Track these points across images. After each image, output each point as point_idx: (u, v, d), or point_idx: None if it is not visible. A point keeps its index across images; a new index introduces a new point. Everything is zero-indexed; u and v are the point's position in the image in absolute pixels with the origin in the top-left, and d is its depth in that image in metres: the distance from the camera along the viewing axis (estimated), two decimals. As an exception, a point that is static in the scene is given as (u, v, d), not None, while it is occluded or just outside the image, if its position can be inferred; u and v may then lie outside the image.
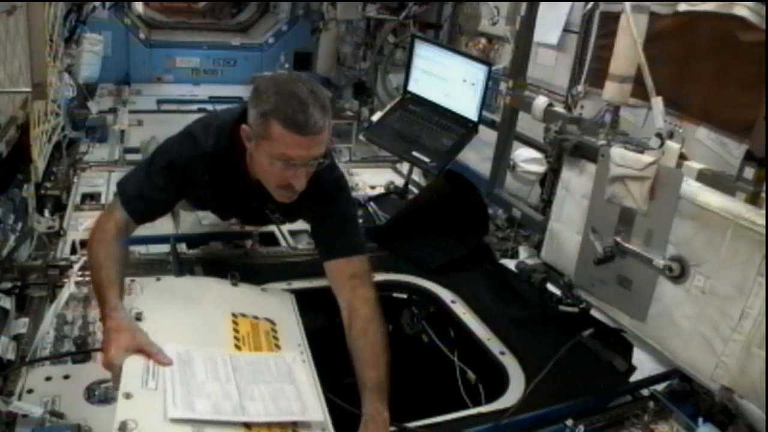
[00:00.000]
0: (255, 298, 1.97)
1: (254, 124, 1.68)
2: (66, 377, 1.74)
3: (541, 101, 2.66)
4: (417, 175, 3.57)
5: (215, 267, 2.36)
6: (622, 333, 2.17)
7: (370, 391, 1.59)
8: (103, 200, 3.15)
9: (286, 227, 2.70)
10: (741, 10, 1.99)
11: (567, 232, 2.37)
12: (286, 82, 1.67)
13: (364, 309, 1.77)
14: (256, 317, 1.83)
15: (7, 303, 2.02)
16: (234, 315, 1.80)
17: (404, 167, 3.65)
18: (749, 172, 1.81)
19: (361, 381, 1.63)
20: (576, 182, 2.32)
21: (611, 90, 2.23)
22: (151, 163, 1.88)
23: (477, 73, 2.97)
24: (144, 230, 2.80)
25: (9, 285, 2.09)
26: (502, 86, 3.17)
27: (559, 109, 2.65)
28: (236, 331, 1.74)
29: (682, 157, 1.98)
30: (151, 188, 1.85)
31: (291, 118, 1.59)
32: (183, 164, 1.84)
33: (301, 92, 1.61)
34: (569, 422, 1.68)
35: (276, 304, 1.95)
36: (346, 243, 1.90)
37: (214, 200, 2.22)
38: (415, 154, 3.05)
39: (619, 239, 2.10)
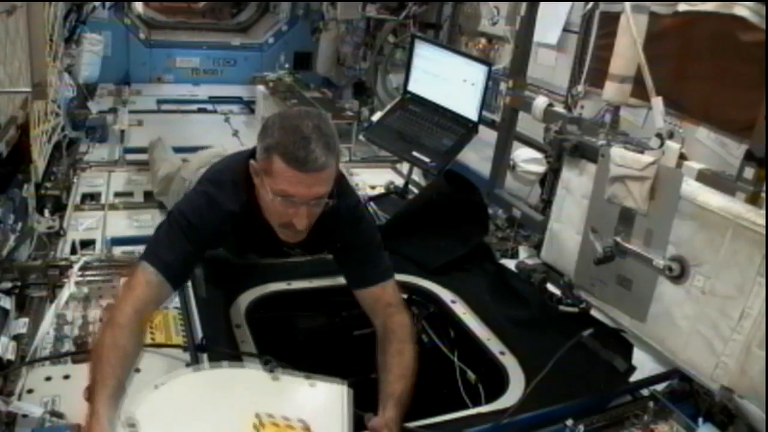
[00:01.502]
0: (294, 392, 1.59)
1: (259, 159, 1.65)
2: (66, 377, 1.74)
3: (541, 101, 2.66)
4: (417, 175, 3.57)
5: (215, 267, 2.36)
6: (622, 333, 2.17)
7: (396, 401, 1.60)
8: (103, 200, 3.15)
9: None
10: (741, 10, 1.99)
11: (567, 232, 2.37)
12: (292, 117, 1.64)
13: (402, 333, 1.78)
14: (287, 419, 1.46)
15: (7, 303, 2.02)
16: (258, 417, 1.45)
17: (404, 167, 3.65)
18: (749, 172, 1.81)
19: (388, 390, 1.63)
20: (576, 182, 2.33)
21: (611, 90, 2.23)
22: (170, 229, 1.76)
23: (477, 73, 2.97)
24: (144, 230, 2.84)
25: (9, 285, 2.09)
26: (502, 86, 3.17)
27: (559, 109, 2.65)
28: None
29: (682, 157, 1.98)
30: (181, 249, 1.72)
31: (291, 153, 1.55)
32: (205, 228, 1.75)
33: (306, 128, 1.57)
34: (569, 422, 1.68)
35: (320, 402, 1.58)
36: (376, 271, 1.87)
37: (234, 245, 2.20)
38: (415, 154, 3.05)
39: (619, 239, 2.10)
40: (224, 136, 4.26)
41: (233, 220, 1.77)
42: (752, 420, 1.72)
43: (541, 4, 2.84)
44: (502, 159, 2.99)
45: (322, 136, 1.57)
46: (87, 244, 2.64)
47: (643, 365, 2.03)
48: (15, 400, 1.58)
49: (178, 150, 3.45)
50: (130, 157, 3.68)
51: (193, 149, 3.57)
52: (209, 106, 5.09)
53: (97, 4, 4.61)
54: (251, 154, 1.73)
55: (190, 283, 2.23)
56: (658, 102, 2.03)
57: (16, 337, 1.88)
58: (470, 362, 2.20)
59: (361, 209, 1.93)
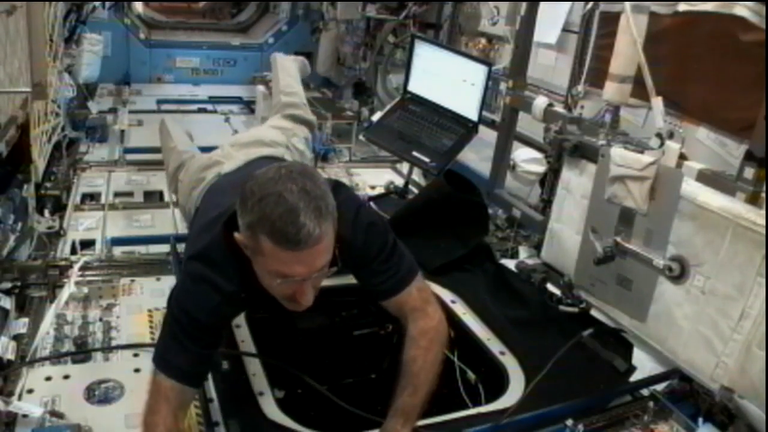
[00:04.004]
0: None
1: (244, 234, 1.41)
2: (66, 377, 1.75)
3: (541, 101, 2.66)
4: (417, 175, 3.57)
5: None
6: (622, 333, 2.17)
7: (397, 413, 1.57)
8: (103, 200, 3.15)
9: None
10: (741, 10, 1.99)
11: (567, 232, 2.37)
12: (273, 181, 1.37)
13: (423, 339, 1.69)
14: None
15: (7, 303, 2.02)
16: None
17: (404, 167, 3.65)
18: (749, 172, 1.81)
19: (393, 400, 1.60)
20: (576, 182, 2.33)
21: (611, 90, 2.23)
22: (176, 329, 1.55)
23: (477, 73, 2.96)
24: (144, 230, 2.84)
25: (9, 285, 2.10)
26: (502, 86, 3.17)
27: (559, 109, 2.65)
28: None
29: (682, 157, 1.98)
30: (193, 350, 1.54)
31: (279, 230, 1.32)
32: (212, 320, 1.57)
33: (290, 194, 1.33)
34: (569, 422, 1.68)
35: None
36: (396, 278, 1.71)
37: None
38: (415, 154, 3.05)
39: (619, 239, 2.10)
40: (224, 136, 4.24)
41: (239, 299, 1.60)
42: (752, 420, 1.72)
43: (541, 4, 2.83)
44: (502, 159, 2.99)
45: (311, 201, 1.34)
46: (87, 244, 2.64)
47: (643, 365, 2.03)
48: (15, 400, 1.58)
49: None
50: (130, 157, 3.68)
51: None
52: (209, 106, 5.09)
53: (97, 4, 4.61)
54: (228, 221, 1.51)
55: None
56: (658, 102, 2.03)
57: (16, 337, 1.88)
58: (470, 362, 2.20)
59: (363, 217, 1.68)
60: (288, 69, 3.28)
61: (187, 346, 1.52)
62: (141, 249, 2.64)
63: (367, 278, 1.74)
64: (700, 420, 1.76)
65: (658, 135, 1.99)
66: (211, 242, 1.57)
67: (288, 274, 1.39)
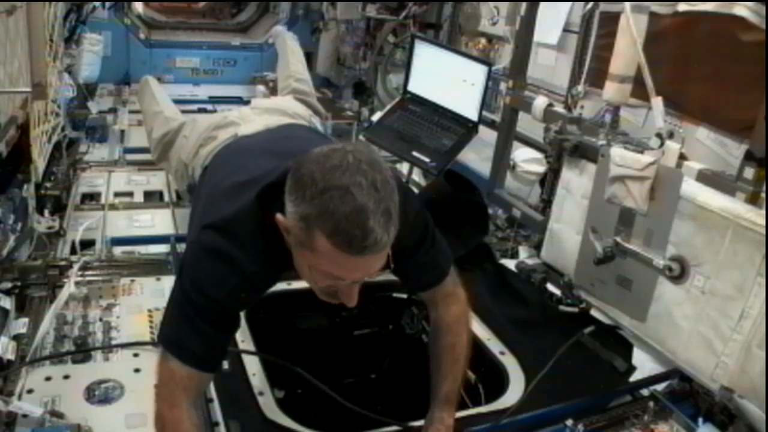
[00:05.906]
0: None
1: (292, 221, 1.22)
2: (66, 377, 1.75)
3: (541, 101, 2.66)
4: (417, 175, 3.56)
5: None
6: (621, 332, 2.17)
7: (440, 400, 1.59)
8: (103, 200, 3.15)
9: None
10: (741, 10, 1.99)
11: (567, 232, 2.37)
12: (339, 171, 1.15)
13: (457, 326, 1.66)
14: None
15: (7, 303, 2.02)
16: None
17: (404, 167, 3.64)
18: (749, 172, 1.81)
19: (435, 387, 1.61)
20: (576, 182, 2.33)
21: (611, 90, 2.23)
22: (189, 309, 1.37)
23: (477, 73, 2.96)
24: (144, 230, 2.84)
25: (9, 285, 2.10)
26: (502, 86, 3.17)
27: (559, 109, 2.65)
28: None
29: (682, 157, 1.98)
30: (209, 333, 1.38)
31: (342, 232, 1.13)
32: (231, 299, 1.40)
33: (358, 191, 1.13)
34: (569, 422, 1.68)
35: None
36: (437, 270, 1.63)
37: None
38: (415, 154, 3.05)
39: (619, 239, 2.10)
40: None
41: (260, 280, 1.46)
42: (752, 420, 1.72)
43: (541, 4, 2.83)
44: (502, 159, 2.99)
45: (381, 201, 1.15)
46: (87, 244, 2.64)
47: (643, 365, 2.03)
48: (15, 400, 1.58)
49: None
50: (130, 157, 3.68)
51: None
52: (209, 106, 5.08)
53: (97, 4, 4.60)
54: (263, 193, 1.35)
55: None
56: (658, 102, 2.03)
57: (16, 337, 1.88)
58: (470, 362, 2.20)
59: (410, 206, 1.49)
60: (298, 55, 3.27)
61: (201, 328, 1.35)
62: (141, 249, 2.64)
63: (410, 271, 1.60)
64: (700, 420, 1.77)
65: (658, 135, 1.99)
66: (239, 213, 1.37)
67: (341, 278, 1.26)
